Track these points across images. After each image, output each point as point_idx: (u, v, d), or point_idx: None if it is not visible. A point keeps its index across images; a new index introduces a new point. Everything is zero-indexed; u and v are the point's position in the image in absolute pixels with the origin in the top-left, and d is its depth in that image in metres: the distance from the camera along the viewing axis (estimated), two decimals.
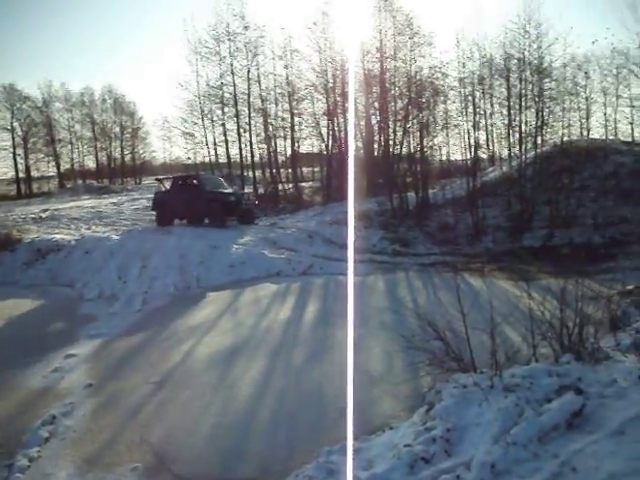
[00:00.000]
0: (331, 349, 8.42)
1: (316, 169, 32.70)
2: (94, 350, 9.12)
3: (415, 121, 24.01)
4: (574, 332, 6.06)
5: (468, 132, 24.25)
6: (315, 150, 29.81)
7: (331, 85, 26.37)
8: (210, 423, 6.35)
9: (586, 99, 27.38)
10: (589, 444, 4.11)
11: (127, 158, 53.15)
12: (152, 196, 21.59)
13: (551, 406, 4.60)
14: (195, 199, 19.13)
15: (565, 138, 23.30)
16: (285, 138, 28.85)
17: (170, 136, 32.43)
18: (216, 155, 27.15)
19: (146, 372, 7.99)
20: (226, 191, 20.19)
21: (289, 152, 29.22)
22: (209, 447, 5.80)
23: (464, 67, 23.80)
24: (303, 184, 29.87)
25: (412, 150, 24.65)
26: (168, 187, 20.60)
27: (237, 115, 26.20)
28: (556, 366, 5.47)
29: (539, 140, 23.13)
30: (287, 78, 27.46)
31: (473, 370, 5.74)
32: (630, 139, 24.51)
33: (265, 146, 27.74)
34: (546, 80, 23.39)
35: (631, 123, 24.44)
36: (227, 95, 26.26)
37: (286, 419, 6.34)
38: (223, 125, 26.57)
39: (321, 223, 19.83)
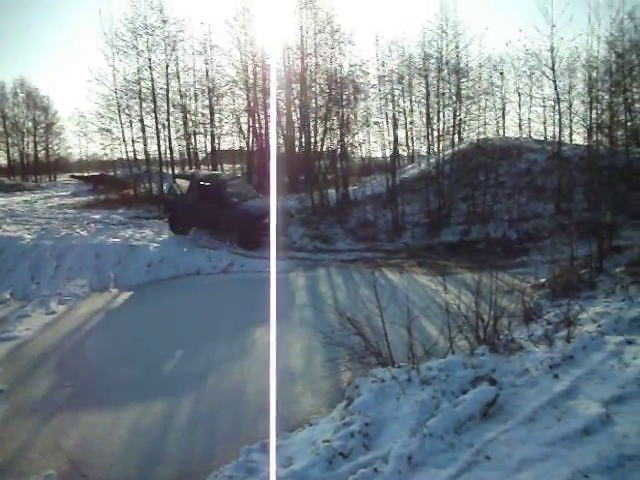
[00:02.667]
0: (251, 347, 8.42)
1: (237, 166, 32.40)
2: (5, 354, 8.73)
3: (336, 118, 24.21)
4: (489, 325, 6.28)
5: (388, 130, 24.62)
6: (236, 147, 29.59)
7: (252, 81, 26.22)
8: (127, 426, 6.22)
9: (501, 99, 28.34)
10: (502, 432, 4.27)
11: (41, 154, 50.88)
12: (69, 194, 19.60)
13: (466, 397, 4.74)
14: (221, 212, 16.45)
15: (481, 136, 24.09)
16: (205, 134, 28.42)
17: (86, 132, 31.27)
18: (134, 152, 26.40)
19: (60, 376, 7.74)
20: (260, 207, 16.82)
21: (209, 149, 28.85)
22: (126, 451, 5.68)
23: (383, 66, 24.17)
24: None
25: (333, 147, 24.87)
26: (184, 189, 17.64)
27: (155, 111, 25.54)
28: (471, 358, 5.66)
29: (456, 138, 23.80)
30: (207, 74, 27.07)
31: (391, 364, 5.86)
32: (543, 138, 25.51)
33: (185, 142, 27.28)
34: (463, 80, 24.06)
35: (544, 122, 25.48)
36: (145, 90, 25.51)
37: (205, 419, 6.29)
38: (141, 121, 25.76)
39: None
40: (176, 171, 26.51)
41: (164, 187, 18.71)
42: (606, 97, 22.68)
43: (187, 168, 27.25)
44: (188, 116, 26.95)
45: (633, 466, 3.59)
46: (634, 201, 17.24)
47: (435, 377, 5.27)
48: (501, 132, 28.02)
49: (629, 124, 28.33)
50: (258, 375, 7.17)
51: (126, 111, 26.05)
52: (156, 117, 25.66)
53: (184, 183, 17.92)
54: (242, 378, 7.33)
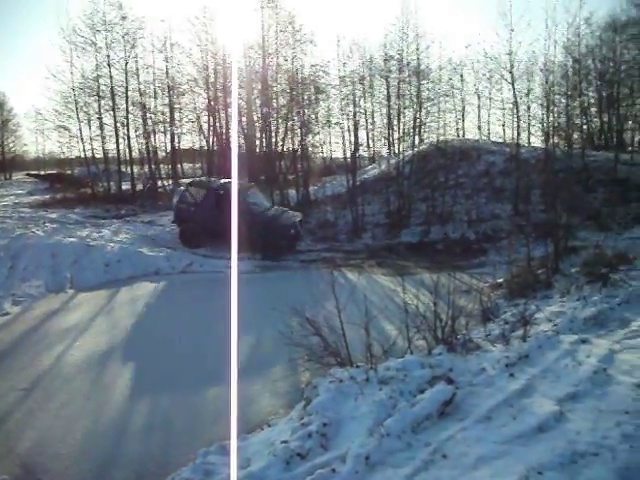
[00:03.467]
0: (210, 349, 8.32)
1: (197, 165, 32.17)
2: None
3: (297, 118, 24.22)
4: (447, 324, 6.35)
5: (349, 130, 24.74)
6: (196, 146, 29.39)
7: (212, 80, 26.11)
8: (83, 430, 6.08)
9: (461, 101, 28.77)
10: (459, 431, 4.31)
11: None
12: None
13: (424, 396, 4.78)
14: (244, 222, 14.82)
15: (441, 138, 24.38)
16: (165, 133, 28.26)
17: (43, 129, 30.58)
18: (92, 150, 25.94)
19: (14, 378, 7.51)
20: (285, 216, 16.54)
21: (169, 147, 28.62)
22: (81, 455, 5.55)
23: (344, 66, 24.27)
24: (183, 180, 29.33)
25: (294, 147, 24.87)
26: (199, 198, 16.43)
27: (114, 109, 25.15)
28: (429, 358, 5.71)
29: (417, 139, 24.03)
30: (167, 72, 26.89)
31: (350, 364, 5.87)
32: (501, 140, 25.94)
33: (144, 141, 26.92)
34: (424, 81, 24.33)
35: (503, 125, 25.88)
36: (104, 88, 25.11)
37: (162, 422, 6.20)
38: (99, 119, 25.38)
39: None
40: (135, 170, 26.28)
41: (174, 197, 17.13)
42: (563, 101, 23.18)
43: (146, 167, 26.95)
44: (148, 114, 26.63)
45: (585, 462, 3.67)
46: (589, 203, 17.68)
47: (393, 377, 5.30)
48: (461, 134, 28.43)
49: (585, 127, 29.06)
50: (216, 376, 7.11)
51: (84, 109, 25.63)
52: (115, 115, 25.31)
53: (199, 191, 16.76)
54: (199, 380, 7.25)
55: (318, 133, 25.70)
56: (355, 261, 15.48)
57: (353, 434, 4.62)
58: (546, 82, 22.23)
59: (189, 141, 29.38)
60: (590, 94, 29.13)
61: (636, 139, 31.37)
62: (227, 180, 17.37)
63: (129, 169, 26.57)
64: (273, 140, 25.20)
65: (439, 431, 4.39)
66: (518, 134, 22.62)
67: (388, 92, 24.71)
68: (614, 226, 16.25)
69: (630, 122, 29.65)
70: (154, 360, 8.06)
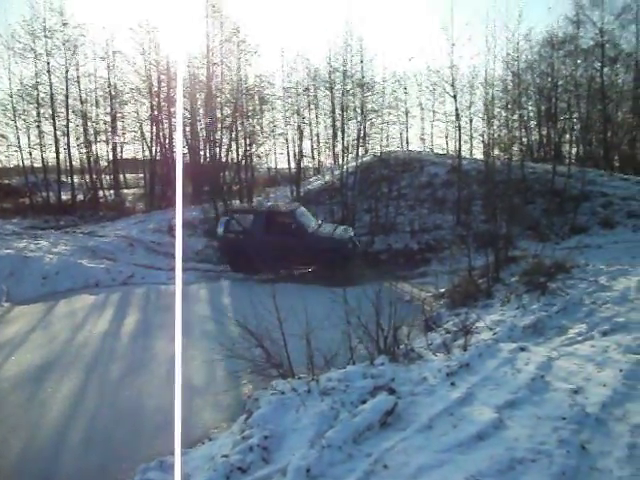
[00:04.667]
0: (151, 362, 8.18)
1: (140, 175, 31.68)
2: None
3: (241, 129, 24.18)
4: (389, 334, 6.38)
5: (294, 141, 24.87)
6: (139, 155, 28.98)
7: (156, 89, 25.85)
8: (18, 447, 5.87)
9: (405, 113, 29.18)
10: (400, 441, 4.32)
11: None
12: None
13: (365, 407, 4.78)
14: (299, 242, 14.89)
15: (385, 149, 24.71)
16: (107, 142, 27.84)
17: None
18: (31, 159, 25.29)
19: None
20: (342, 236, 15.77)
21: (111, 157, 28.20)
22: (15, 473, 5.36)
23: (289, 77, 24.42)
24: (126, 191, 28.90)
25: (238, 158, 24.79)
26: (247, 225, 15.78)
27: (54, 117, 24.59)
28: (371, 368, 5.72)
29: (361, 151, 24.28)
30: (109, 80, 26.58)
31: (291, 376, 5.84)
32: (444, 152, 26.49)
33: (85, 150, 26.39)
34: (368, 93, 24.65)
35: (446, 137, 26.45)
36: (43, 95, 24.55)
37: (101, 438, 6.03)
38: (38, 127, 24.79)
39: (143, 231, 19.35)
40: (75, 180, 25.70)
41: (219, 227, 16.07)
42: (503, 114, 23.81)
43: (87, 177, 26.39)
44: (89, 123, 26.21)
45: (523, 468, 3.72)
46: (528, 213, 18.17)
47: (335, 388, 5.28)
48: (404, 145, 28.83)
49: (524, 140, 29.91)
50: (156, 390, 6.99)
51: (22, 116, 25.03)
52: (54, 123, 24.78)
53: (245, 217, 16.11)
54: (140, 394, 7.10)
55: (263, 144, 25.78)
56: (298, 271, 15.47)
57: (295, 446, 4.58)
58: (486, 95, 22.82)
59: (132, 151, 28.99)
60: (529, 108, 30.09)
61: (573, 152, 32.45)
62: (274, 203, 17.55)
63: (69, 179, 25.99)
64: (217, 150, 25.08)
65: (380, 441, 4.39)
66: (459, 146, 23.12)
67: (333, 103, 24.94)
68: (552, 236, 16.77)
69: (567, 135, 30.69)
70: (92, 374, 7.86)
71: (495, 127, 23.22)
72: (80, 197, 25.88)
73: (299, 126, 24.81)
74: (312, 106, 27.36)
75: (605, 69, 31.20)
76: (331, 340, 6.82)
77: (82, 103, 26.01)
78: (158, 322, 9.98)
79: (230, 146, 24.89)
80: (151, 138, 26.58)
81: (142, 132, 26.90)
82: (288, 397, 5.35)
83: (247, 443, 4.71)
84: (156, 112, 26.08)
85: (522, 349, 6.22)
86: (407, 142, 29.43)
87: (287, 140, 25.35)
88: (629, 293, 9.25)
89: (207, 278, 14.51)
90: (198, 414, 6.50)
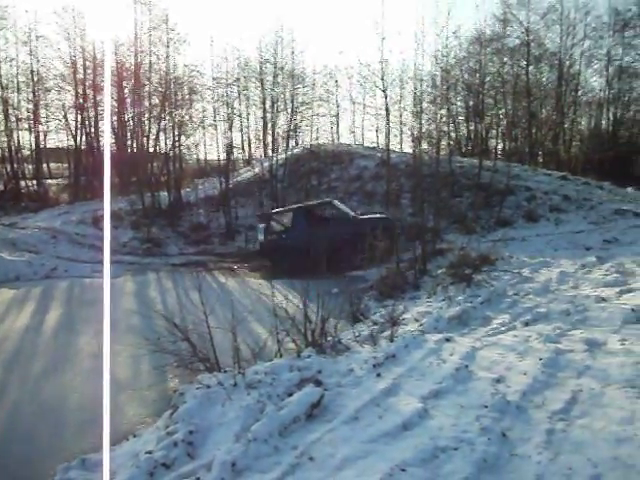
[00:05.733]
0: (74, 357, 7.95)
1: (65, 165, 30.66)
2: None
3: (170, 119, 23.76)
4: (317, 327, 6.40)
5: (224, 132, 24.56)
6: (64, 145, 28.03)
7: (81, 76, 25.05)
8: None
9: (336, 106, 29.31)
10: (326, 432, 4.34)
11: None
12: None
13: (292, 399, 4.77)
14: (345, 232, 14.61)
15: (315, 142, 24.77)
16: (30, 131, 26.70)
17: None
18: None
19: None
20: (382, 215, 16.09)
21: (34, 146, 27.04)
22: None
23: (219, 67, 24.12)
24: (49, 181, 27.85)
25: (167, 148, 24.37)
26: (288, 222, 15.69)
27: None
28: (298, 360, 5.72)
29: (291, 143, 24.27)
30: (31, 65, 25.53)
31: (218, 370, 5.77)
32: (375, 145, 26.74)
33: (5, 138, 25.30)
34: (298, 86, 24.68)
35: (376, 130, 26.71)
36: None
37: (21, 438, 5.79)
38: None
39: (67, 223, 18.80)
40: None
41: (258, 234, 15.99)
42: (432, 108, 24.22)
43: (8, 166, 25.30)
44: (10, 110, 25.13)
45: (446, 457, 3.80)
46: (455, 207, 18.58)
47: (261, 381, 5.26)
48: (335, 138, 28.98)
49: (453, 134, 30.56)
50: (80, 387, 6.79)
51: None
52: None
53: (284, 217, 16.05)
54: (62, 390, 6.88)
55: (192, 134, 25.39)
56: (228, 264, 15.39)
57: (220, 441, 4.53)
58: (415, 90, 23.19)
59: (56, 140, 27.95)
60: (458, 103, 30.73)
61: (499, 147, 33.41)
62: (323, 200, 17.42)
63: None
64: (145, 140, 24.58)
65: (307, 433, 4.39)
66: (388, 139, 23.41)
67: (263, 95, 24.88)
68: (478, 229, 17.19)
69: (494, 131, 31.57)
70: (13, 371, 7.57)
71: (424, 121, 23.62)
72: (0, 187, 24.87)
73: (229, 117, 24.57)
74: (242, 97, 27.16)
75: (530, 67, 32.23)
76: (260, 333, 6.81)
77: (3, 89, 24.96)
78: (82, 317, 9.73)
79: (158, 136, 24.43)
80: (76, 127, 25.77)
81: (67, 120, 25.99)
82: (214, 391, 5.28)
83: (172, 438, 4.63)
84: (82, 100, 25.29)
85: (447, 340, 6.36)
86: (338, 135, 29.63)
87: (217, 131, 25.05)
88: (550, 284, 9.61)
89: (134, 271, 14.25)
90: (123, 410, 6.35)
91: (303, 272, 13.30)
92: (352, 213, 16.13)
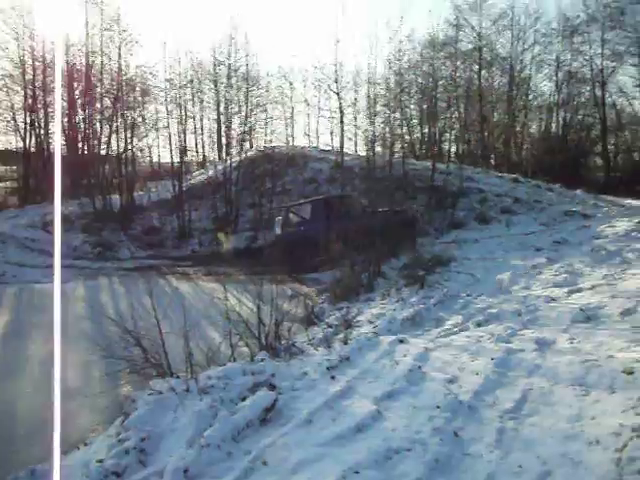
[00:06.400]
0: (23, 364, 7.78)
1: (14, 168, 29.92)
2: None
3: (122, 120, 23.42)
4: (271, 330, 6.39)
5: (178, 134, 24.26)
6: (13, 147, 27.37)
7: (30, 77, 24.47)
8: None
9: (291, 108, 29.28)
10: (280, 436, 4.32)
11: None
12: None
13: (245, 404, 4.75)
14: (365, 225, 13.40)
15: (270, 144, 24.73)
16: None
17: None
18: None
19: None
20: (404, 209, 16.48)
21: None
22: None
23: (172, 69, 23.86)
24: None
25: (119, 150, 24.01)
26: (306, 214, 15.70)
27: None
28: (251, 364, 5.70)
29: (246, 145, 24.17)
30: None
31: (170, 375, 5.71)
32: (329, 148, 26.83)
33: None
34: (253, 88, 24.60)
35: (331, 133, 26.79)
36: None
37: None
38: None
39: (16, 227, 18.54)
40: None
41: (276, 226, 15.90)
42: (386, 112, 24.43)
43: None
44: None
45: (399, 458, 3.82)
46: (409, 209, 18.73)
47: (214, 386, 5.22)
48: (290, 141, 28.99)
49: (407, 137, 30.87)
50: (30, 394, 6.64)
51: None
52: None
53: (302, 208, 16.06)
54: (11, 398, 6.71)
55: (145, 136, 25.08)
56: (181, 268, 15.28)
57: (173, 447, 4.48)
58: (369, 94, 23.35)
59: (4, 142, 27.31)
60: (412, 106, 31.08)
61: (453, 150, 33.94)
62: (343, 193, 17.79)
63: None
64: (97, 142, 24.19)
65: (260, 438, 4.37)
66: (342, 142, 23.51)
67: (217, 97, 24.71)
68: (432, 231, 17.40)
69: (447, 134, 32.03)
70: None
71: (378, 124, 23.81)
72: None
73: (182, 119, 24.34)
74: (196, 99, 26.94)
75: (482, 72, 32.95)
76: (213, 337, 6.76)
77: None
78: (31, 323, 9.54)
79: (110, 138, 24.07)
80: (25, 129, 25.25)
81: (16, 122, 25.45)
82: (166, 397, 5.22)
83: (123, 446, 4.56)
84: (31, 101, 24.75)
85: (401, 341, 6.41)
86: (292, 138, 29.64)
87: (170, 133, 24.76)
88: (502, 285, 9.77)
89: (85, 275, 14.03)
90: (73, 418, 6.22)
91: (319, 265, 13.37)
92: (371, 207, 15.89)
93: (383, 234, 13.16)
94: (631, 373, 4.88)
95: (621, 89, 35.26)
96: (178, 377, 5.63)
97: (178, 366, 5.87)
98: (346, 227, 13.70)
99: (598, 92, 34.53)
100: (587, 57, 34.48)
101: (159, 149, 28.47)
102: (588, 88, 35.14)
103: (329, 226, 14.30)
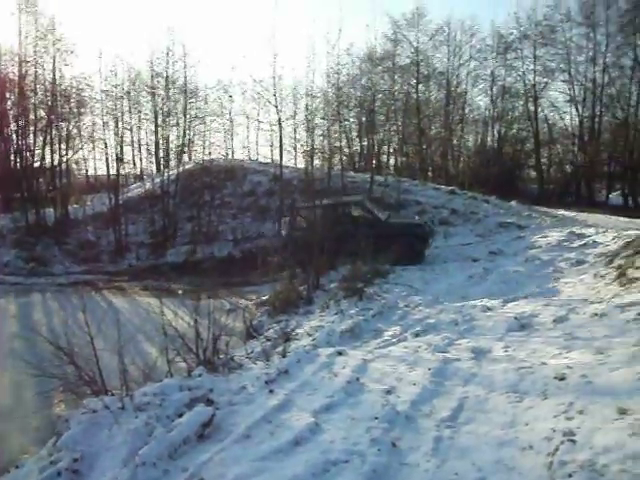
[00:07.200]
0: None
1: None
2: None
3: (57, 132, 22.86)
4: (209, 344, 6.33)
5: (116, 147, 23.77)
6: None
7: None
8: None
9: (230, 121, 29.09)
10: (217, 452, 4.28)
11: None
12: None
13: (181, 420, 4.68)
14: (373, 234, 13.29)
15: (209, 157, 24.56)
16: None
17: None
18: None
19: None
20: (418, 221, 16.51)
21: None
22: None
23: (108, 80, 23.40)
24: None
25: (54, 163, 23.39)
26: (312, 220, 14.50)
27: None
28: (188, 380, 5.63)
29: (184, 158, 23.95)
30: None
31: (105, 393, 5.59)
32: (269, 160, 26.78)
33: None
34: (191, 100, 24.44)
35: (270, 146, 26.76)
36: None
37: None
38: None
39: None
40: None
41: (283, 228, 15.53)
42: (325, 124, 24.62)
43: None
44: None
45: (337, 470, 3.84)
46: None
47: (150, 402, 5.13)
48: (229, 153, 28.82)
49: (346, 150, 31.18)
50: None
51: None
52: None
53: (311, 214, 14.89)
54: None
55: (80, 148, 24.54)
56: (118, 283, 15.01)
57: (107, 467, 4.39)
58: (307, 107, 23.49)
59: None
60: (351, 119, 31.43)
61: (391, 162, 34.45)
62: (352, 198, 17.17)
63: None
64: (29, 155, 23.51)
65: (198, 454, 4.32)
66: (281, 155, 23.55)
67: (155, 109, 24.41)
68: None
69: (386, 147, 32.52)
70: None
71: (317, 137, 23.95)
72: None
73: (119, 131, 23.93)
74: (134, 111, 26.54)
75: (420, 86, 33.67)
76: (150, 353, 6.66)
77: None
78: None
79: (44, 150, 23.43)
80: None
81: None
82: (101, 415, 5.10)
83: (55, 467, 4.45)
84: None
85: (339, 353, 6.45)
86: (232, 150, 29.48)
87: (107, 145, 24.24)
88: (439, 296, 9.95)
89: (17, 292, 13.62)
90: (4, 440, 6.06)
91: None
92: (384, 216, 15.72)
93: (392, 244, 13.28)
94: (563, 379, 5.05)
95: (553, 104, 36.71)
96: (113, 395, 5.51)
97: (113, 383, 5.75)
98: (354, 234, 13.56)
99: (531, 107, 35.80)
100: (520, 73, 35.78)
101: (95, 161, 27.91)
102: (521, 103, 36.44)
103: (337, 232, 13.62)
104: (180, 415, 4.89)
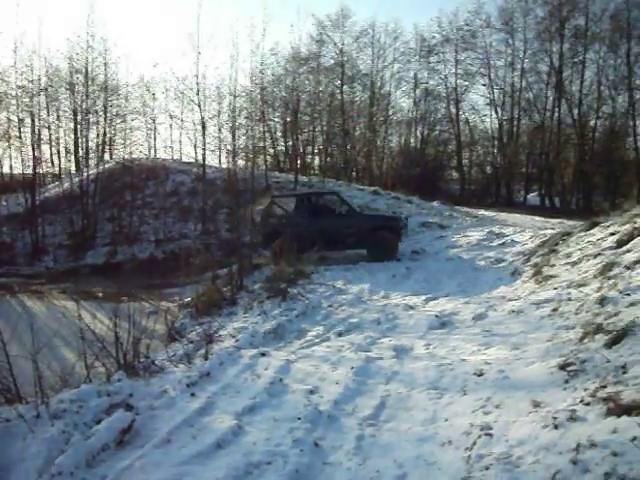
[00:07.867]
0: None
1: None
2: None
3: None
4: (129, 348, 6.20)
5: (32, 145, 22.83)
6: None
7: None
8: None
9: (152, 119, 28.45)
10: (138, 458, 4.20)
11: None
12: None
13: (99, 427, 4.57)
14: (348, 226, 14.34)
15: (130, 156, 24.02)
16: None
17: None
18: None
19: None
20: (392, 215, 16.79)
21: None
22: None
23: (23, 75, 22.49)
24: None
25: None
26: (289, 209, 15.13)
27: None
28: (107, 385, 5.49)
29: (106, 156, 23.36)
30: None
31: (19, 401, 5.39)
32: (193, 160, 26.40)
33: None
34: (112, 97, 23.84)
35: (194, 145, 26.35)
36: None
37: None
38: None
39: None
40: None
41: (256, 216, 15.48)
42: (249, 124, 24.53)
43: None
44: None
45: (259, 472, 3.84)
46: None
47: (67, 410, 4.97)
48: (152, 153, 28.24)
49: (271, 150, 31.16)
50: None
51: None
52: None
53: (286, 203, 15.47)
54: None
55: None
56: (35, 286, 14.48)
57: (22, 479, 4.23)
58: (230, 106, 23.35)
59: None
60: (276, 120, 31.43)
61: (316, 162, 34.66)
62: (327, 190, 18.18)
63: None
64: None
65: (117, 461, 4.23)
66: (204, 155, 23.32)
67: (74, 106, 23.65)
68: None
69: (310, 147, 32.67)
70: None
71: (241, 137, 23.82)
72: None
73: (36, 129, 23.05)
74: (52, 108, 25.60)
75: (344, 87, 34.00)
76: (68, 358, 6.46)
77: None
78: None
79: None
80: None
81: None
82: (14, 425, 4.91)
83: None
84: None
85: (262, 354, 6.46)
86: (155, 149, 28.88)
87: (22, 143, 23.30)
88: (363, 295, 10.09)
89: None
90: None
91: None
92: (358, 209, 16.12)
93: (364, 237, 14.30)
94: (481, 375, 5.22)
95: (473, 107, 37.85)
96: (28, 402, 5.31)
97: (29, 391, 5.55)
98: (327, 225, 14.41)
99: (453, 109, 36.87)
100: (442, 76, 36.80)
101: (10, 160, 26.83)
102: (444, 105, 37.49)
103: (311, 223, 14.20)
104: (98, 422, 4.76)
